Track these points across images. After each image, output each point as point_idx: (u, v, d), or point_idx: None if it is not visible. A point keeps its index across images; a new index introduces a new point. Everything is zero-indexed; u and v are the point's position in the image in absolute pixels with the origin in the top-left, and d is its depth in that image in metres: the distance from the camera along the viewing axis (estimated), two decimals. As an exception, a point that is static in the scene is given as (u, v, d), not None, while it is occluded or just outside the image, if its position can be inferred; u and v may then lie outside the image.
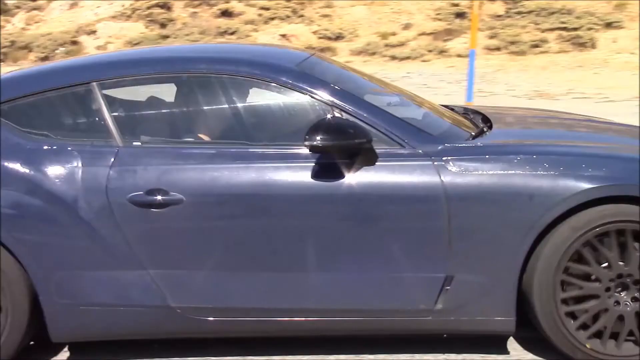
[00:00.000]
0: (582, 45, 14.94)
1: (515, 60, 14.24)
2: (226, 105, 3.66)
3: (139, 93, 3.74)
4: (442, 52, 15.41)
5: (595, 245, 3.11)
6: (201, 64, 3.68)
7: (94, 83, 3.44)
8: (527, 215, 3.16)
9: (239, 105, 3.66)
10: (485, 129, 3.67)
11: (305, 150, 3.23)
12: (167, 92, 3.75)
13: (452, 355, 3.39)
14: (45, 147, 3.33)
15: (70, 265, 3.26)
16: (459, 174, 3.22)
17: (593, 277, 3.16)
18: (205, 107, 3.72)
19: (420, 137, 3.33)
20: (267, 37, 17.73)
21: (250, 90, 3.62)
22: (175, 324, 3.34)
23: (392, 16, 16.66)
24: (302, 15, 17.96)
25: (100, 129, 3.41)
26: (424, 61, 15.11)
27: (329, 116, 3.31)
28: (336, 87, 3.45)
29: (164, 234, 3.26)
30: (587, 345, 3.17)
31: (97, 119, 3.45)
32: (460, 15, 16.32)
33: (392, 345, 3.49)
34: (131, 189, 3.22)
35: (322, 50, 16.56)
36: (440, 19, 16.54)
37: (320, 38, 17.33)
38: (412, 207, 3.23)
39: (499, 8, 16.77)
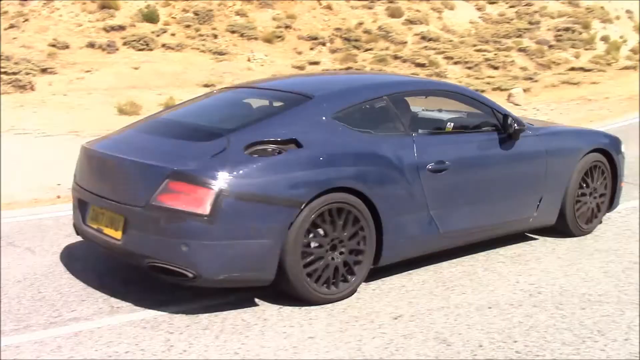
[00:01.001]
0: (22, 87, 16.88)
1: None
2: (457, 111, 6.25)
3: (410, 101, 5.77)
4: None
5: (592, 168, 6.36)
6: (441, 86, 6.44)
7: (386, 97, 5.34)
8: (573, 159, 6.16)
9: (459, 110, 6.21)
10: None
11: (490, 134, 5.71)
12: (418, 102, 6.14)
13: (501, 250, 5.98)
14: (380, 138, 5.08)
15: (400, 211, 5.01)
16: (547, 142, 6.01)
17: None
18: (447, 111, 6.35)
19: (525, 124, 5.88)
20: None
21: (458, 102, 6.02)
22: (440, 243, 5.40)
23: None
24: None
25: (396, 126, 5.29)
26: None
27: (508, 113, 5.75)
28: (488, 98, 6.05)
29: (440, 188, 5.23)
30: (583, 225, 6.34)
31: (393, 119, 5.32)
32: None
33: (464, 251, 5.79)
34: (428, 162, 5.17)
35: None
36: None
37: None
38: (534, 160, 5.89)
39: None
